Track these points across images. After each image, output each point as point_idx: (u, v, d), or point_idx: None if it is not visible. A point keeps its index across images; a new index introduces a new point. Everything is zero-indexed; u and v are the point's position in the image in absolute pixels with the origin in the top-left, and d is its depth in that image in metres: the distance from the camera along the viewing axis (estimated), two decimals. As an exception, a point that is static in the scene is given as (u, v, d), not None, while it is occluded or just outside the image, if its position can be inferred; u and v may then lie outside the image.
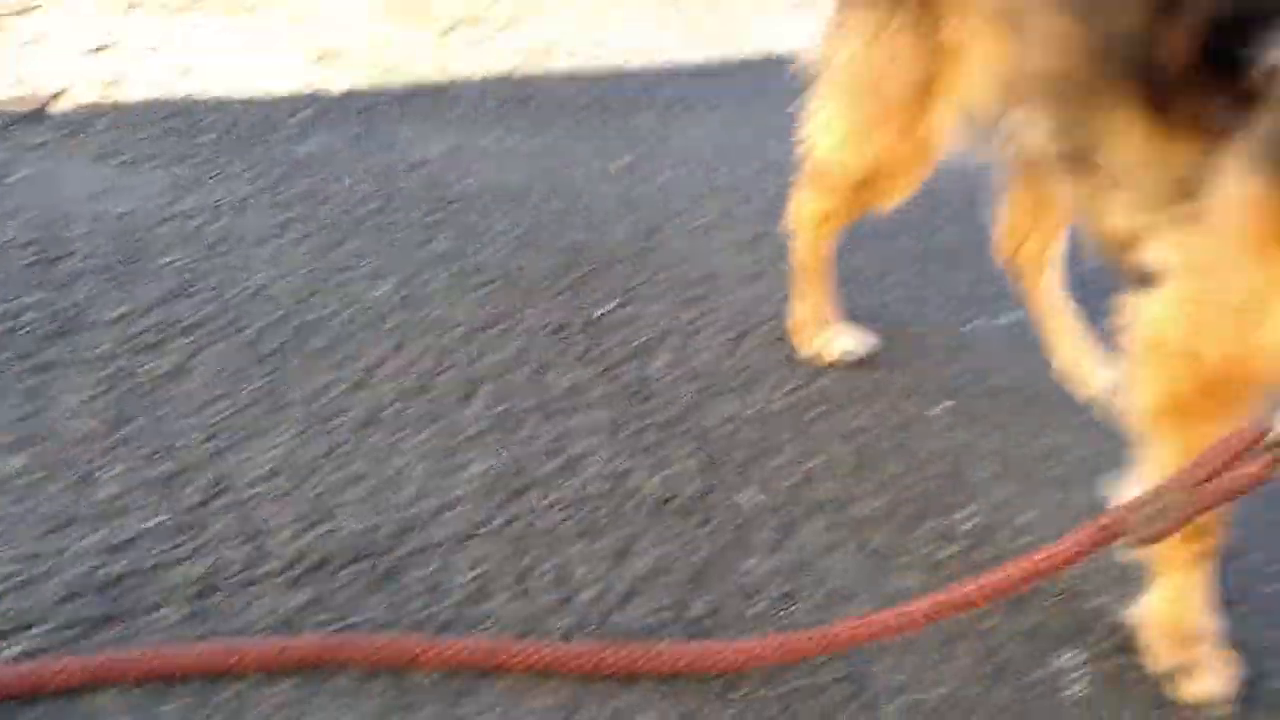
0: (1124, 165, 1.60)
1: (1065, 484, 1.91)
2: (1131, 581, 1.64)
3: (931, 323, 2.39)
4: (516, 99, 3.42)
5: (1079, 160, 1.66)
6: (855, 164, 2.17)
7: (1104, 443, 2.04)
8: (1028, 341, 2.22)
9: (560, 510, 1.75)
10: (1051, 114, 1.70)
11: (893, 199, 2.19)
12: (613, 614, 1.56)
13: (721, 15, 4.05)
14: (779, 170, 3.16)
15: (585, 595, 1.59)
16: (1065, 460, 1.98)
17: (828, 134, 2.20)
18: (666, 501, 1.80)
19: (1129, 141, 1.58)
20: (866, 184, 2.19)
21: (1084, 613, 1.60)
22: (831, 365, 2.21)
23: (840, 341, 2.24)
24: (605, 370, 2.13)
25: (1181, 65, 1.48)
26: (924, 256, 2.64)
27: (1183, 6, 1.49)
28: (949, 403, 2.12)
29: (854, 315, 2.31)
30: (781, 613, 1.59)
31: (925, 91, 2.04)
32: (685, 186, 2.94)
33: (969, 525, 1.79)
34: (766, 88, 3.56)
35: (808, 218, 2.32)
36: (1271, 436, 1.34)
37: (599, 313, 2.33)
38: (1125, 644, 1.56)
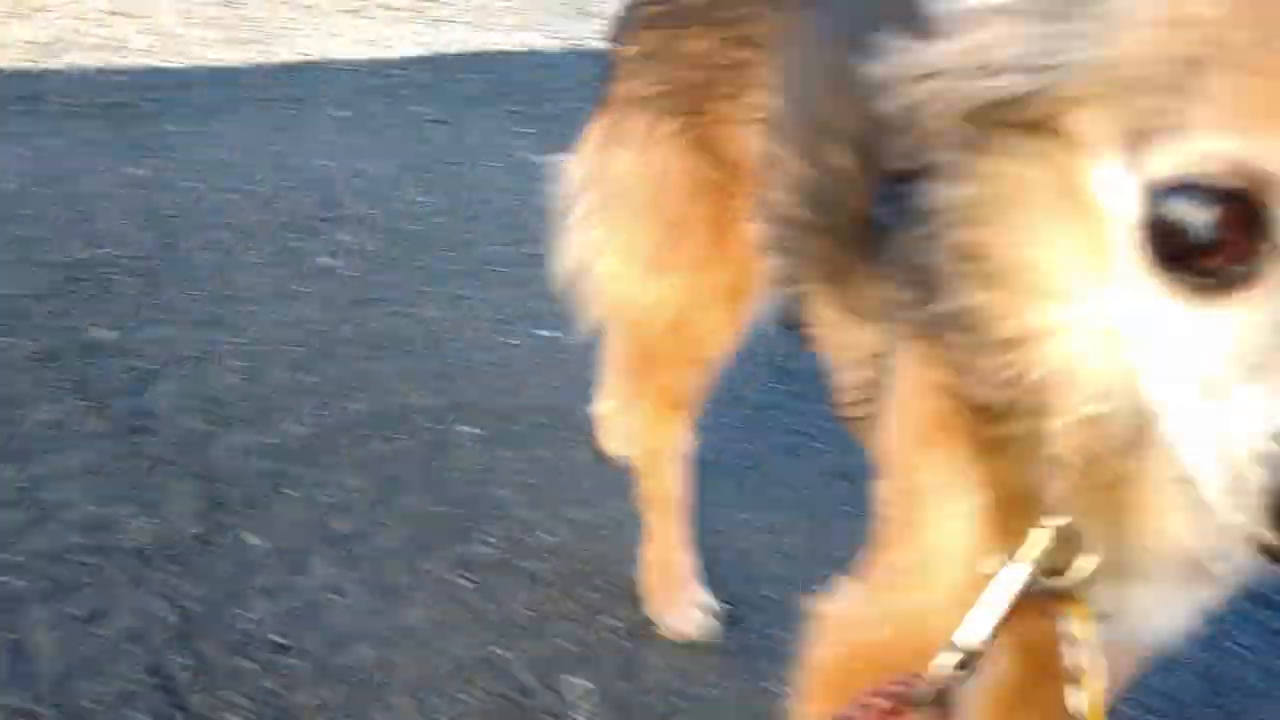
0: (823, 337, 1.33)
1: (588, 503, 1.92)
2: (642, 603, 1.66)
3: (468, 340, 2.35)
4: (16, 99, 3.07)
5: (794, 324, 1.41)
6: (656, 308, 1.70)
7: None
8: (559, 359, 2.22)
9: (23, 570, 1.54)
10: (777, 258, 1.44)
11: (709, 353, 1.71)
12: (77, 685, 1.39)
13: (264, 16, 3.85)
14: (315, 183, 3.02)
15: (45, 666, 1.40)
16: (590, 478, 2.00)
17: (615, 273, 1.74)
18: (157, 550, 1.63)
19: (822, 308, 1.32)
20: (676, 335, 1.70)
21: (594, 639, 1.60)
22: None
23: (685, 618, 1.72)
24: (98, 403, 1.92)
25: (862, 222, 1.20)
26: (463, 273, 2.61)
27: (870, 154, 1.20)
28: (478, 424, 2.08)
29: (388, 339, 2.23)
30: (277, 665, 1.48)
31: (718, 210, 1.62)
32: (211, 198, 2.74)
33: (490, 552, 1.75)
34: (307, 94, 3.42)
35: (641, 424, 1.79)
36: (919, 692, 0.98)
37: (97, 337, 2.11)
38: (630, 669, 1.58)
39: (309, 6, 3.86)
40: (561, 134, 3.45)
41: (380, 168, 3.00)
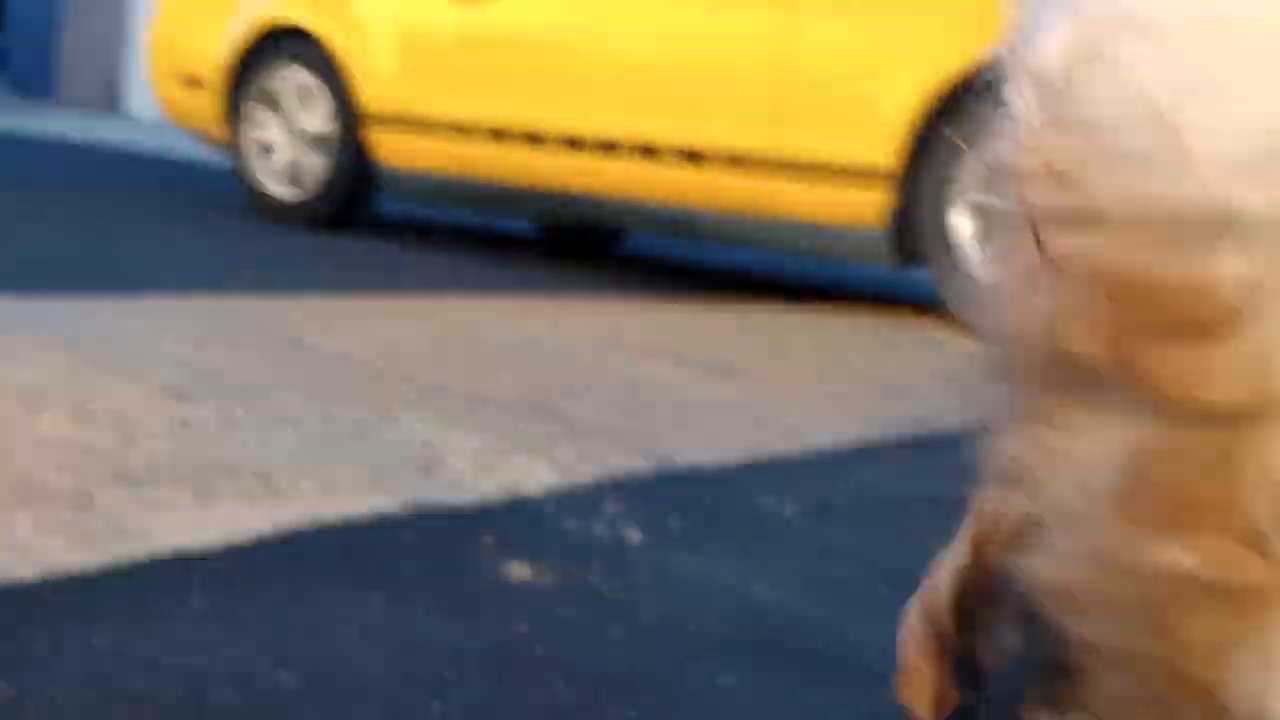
0: None
1: None
2: None
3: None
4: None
5: None
6: None
7: None
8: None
9: None
10: None
11: None
12: None
13: (116, 516, 4.22)
14: (184, 680, 3.30)
15: None
16: None
17: None
18: None
19: None
20: None
21: None
22: None
23: None
24: None
25: None
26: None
27: None
28: None
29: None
30: None
31: None
32: (89, 709, 2.99)
33: None
34: (166, 589, 3.74)
35: None
36: None
37: None
38: None
39: (156, 499, 4.25)
40: (415, 597, 3.89)
41: (244, 654, 3.31)
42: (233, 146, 11.36)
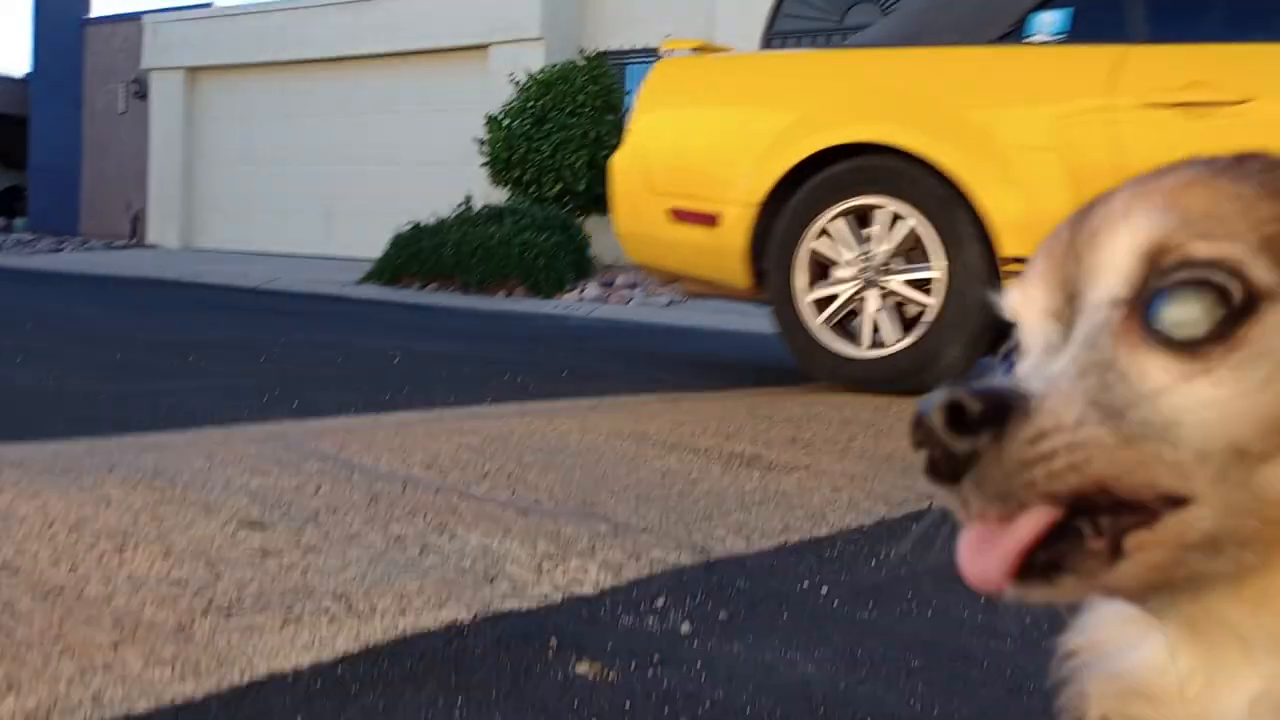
0: None
1: None
2: None
3: None
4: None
5: None
6: None
7: None
8: None
9: None
10: None
11: None
12: None
13: (214, 642, 4.49)
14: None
15: None
16: None
17: None
18: None
19: None
20: None
21: None
22: None
23: None
24: None
25: None
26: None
27: None
28: None
29: None
30: None
31: None
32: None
33: None
34: (268, 715, 4.00)
35: None
36: None
37: None
38: None
39: (250, 627, 4.52)
40: (492, 702, 4.12)
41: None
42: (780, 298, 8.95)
